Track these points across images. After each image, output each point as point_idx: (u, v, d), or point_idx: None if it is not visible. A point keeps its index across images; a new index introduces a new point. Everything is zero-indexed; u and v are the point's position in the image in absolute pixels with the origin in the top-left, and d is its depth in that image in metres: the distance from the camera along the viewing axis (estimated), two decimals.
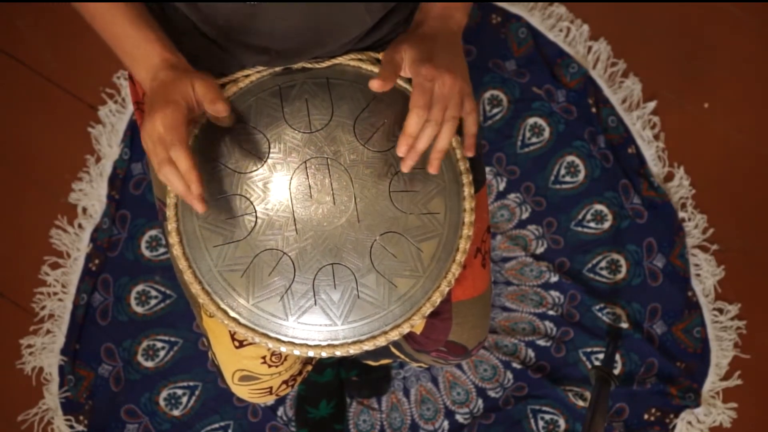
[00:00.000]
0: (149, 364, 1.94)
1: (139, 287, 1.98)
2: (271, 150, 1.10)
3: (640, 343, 1.95)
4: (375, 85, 1.04)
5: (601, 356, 1.95)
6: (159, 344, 1.95)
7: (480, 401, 1.94)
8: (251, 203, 1.08)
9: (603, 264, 2.01)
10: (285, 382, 1.32)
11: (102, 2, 1.06)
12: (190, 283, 1.08)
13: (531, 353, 1.96)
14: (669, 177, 2.06)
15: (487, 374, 1.95)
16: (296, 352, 1.07)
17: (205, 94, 1.04)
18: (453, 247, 1.10)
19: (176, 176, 1.02)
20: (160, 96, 1.03)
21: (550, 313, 1.97)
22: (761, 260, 2.03)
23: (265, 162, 1.10)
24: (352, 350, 1.07)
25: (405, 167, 1.07)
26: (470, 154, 1.11)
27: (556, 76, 2.10)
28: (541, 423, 1.93)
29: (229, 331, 1.20)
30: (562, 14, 2.13)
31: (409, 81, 1.16)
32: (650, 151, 2.07)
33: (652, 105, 2.09)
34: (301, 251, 1.07)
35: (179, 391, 1.93)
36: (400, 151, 1.05)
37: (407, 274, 1.08)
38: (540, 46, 2.12)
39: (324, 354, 1.07)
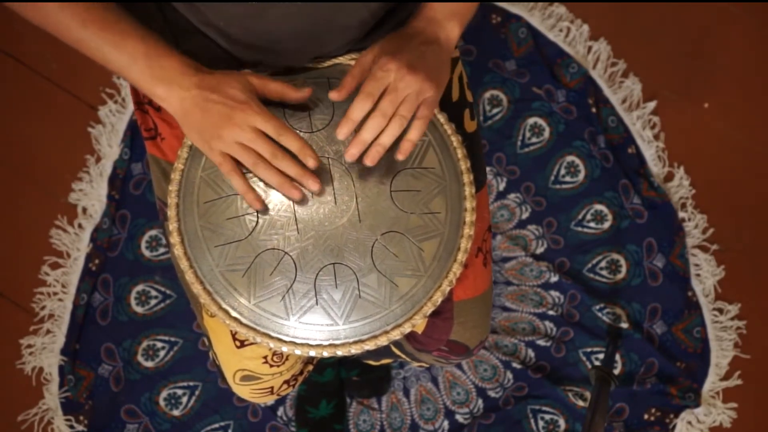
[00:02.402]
0: (149, 364, 1.94)
1: (139, 287, 1.98)
2: None
3: (640, 343, 1.95)
4: (332, 95, 1.04)
5: (601, 356, 1.95)
6: (159, 344, 1.95)
7: (480, 401, 1.94)
8: None
9: (603, 264, 2.01)
10: (286, 381, 1.32)
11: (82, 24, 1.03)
12: (192, 283, 1.08)
13: (531, 353, 1.96)
14: (669, 177, 2.07)
15: (487, 374, 1.95)
16: (297, 351, 1.07)
17: (275, 89, 1.05)
18: (454, 246, 1.10)
19: (291, 162, 1.02)
20: (222, 102, 1.02)
21: (550, 313, 1.97)
22: (761, 260, 2.03)
23: None
24: (354, 350, 1.07)
25: (348, 155, 1.03)
26: (400, 158, 1.06)
27: (556, 76, 2.10)
28: (541, 423, 1.93)
29: (231, 331, 1.20)
30: (562, 14, 2.13)
31: None
32: (650, 151, 2.07)
33: (652, 105, 2.09)
34: (302, 251, 1.07)
35: (179, 391, 1.93)
36: (339, 133, 1.02)
37: (409, 273, 1.08)
38: (540, 46, 2.12)
39: (325, 354, 1.07)
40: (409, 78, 1.01)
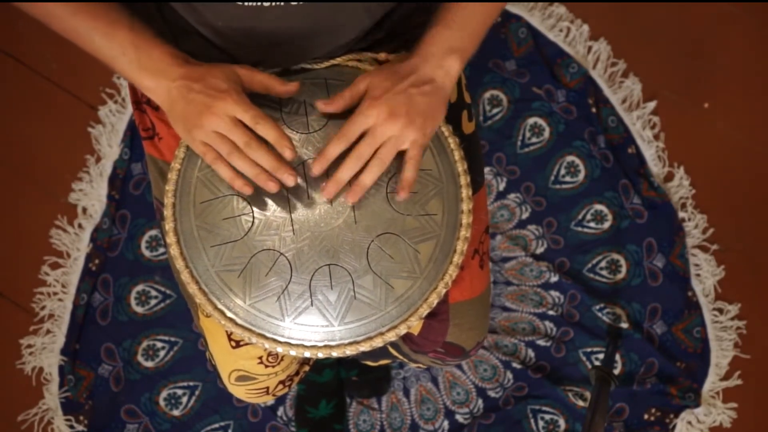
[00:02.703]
0: (149, 364, 1.95)
1: (139, 287, 1.99)
2: None
3: (640, 343, 1.95)
4: (319, 105, 1.05)
5: (601, 356, 1.95)
6: (159, 344, 1.96)
7: (480, 401, 1.94)
8: (249, 204, 1.08)
9: (603, 264, 2.01)
10: (282, 382, 1.32)
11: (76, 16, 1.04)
12: (187, 283, 1.08)
13: (531, 353, 1.96)
14: (669, 177, 2.06)
15: (487, 374, 1.95)
16: (292, 352, 1.07)
17: (262, 81, 1.05)
18: (450, 248, 1.10)
19: (265, 153, 1.02)
20: (204, 91, 1.02)
21: (550, 313, 1.97)
22: (761, 260, 2.03)
23: None
24: (349, 351, 1.07)
25: (325, 193, 1.05)
26: (399, 199, 1.06)
27: (556, 76, 2.10)
28: (541, 423, 1.93)
29: (226, 332, 1.20)
30: (562, 14, 2.13)
31: None
32: (650, 151, 2.07)
33: (652, 105, 2.08)
34: (298, 252, 1.07)
35: (179, 391, 1.93)
36: (314, 169, 1.04)
37: (404, 275, 1.07)
38: (540, 46, 2.12)
39: (320, 355, 1.07)
40: (388, 125, 1.02)
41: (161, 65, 1.03)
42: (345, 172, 1.03)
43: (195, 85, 1.02)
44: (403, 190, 1.05)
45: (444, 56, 1.08)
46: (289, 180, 1.03)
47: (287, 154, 1.02)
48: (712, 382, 1.96)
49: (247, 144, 1.01)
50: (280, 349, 1.07)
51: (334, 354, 1.07)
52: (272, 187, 1.03)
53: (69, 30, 1.05)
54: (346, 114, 1.09)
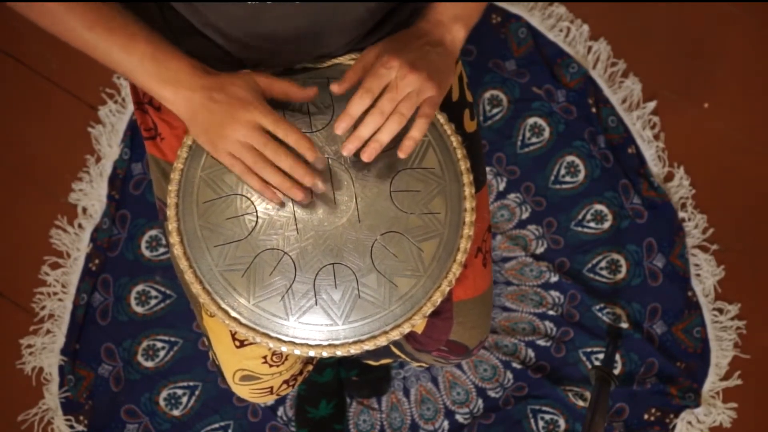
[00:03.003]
0: (149, 364, 1.94)
1: (139, 287, 1.98)
2: None
3: (640, 343, 1.95)
4: (333, 87, 1.04)
5: (601, 356, 1.95)
6: (159, 344, 1.95)
7: (480, 401, 1.94)
8: (252, 203, 1.08)
9: (603, 264, 2.01)
10: (286, 381, 1.32)
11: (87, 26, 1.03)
12: (191, 282, 1.08)
13: (531, 353, 1.96)
14: (669, 177, 2.07)
15: (487, 374, 1.95)
16: (297, 351, 1.07)
17: (281, 88, 1.04)
18: (454, 246, 1.10)
19: (286, 156, 1.02)
20: (227, 101, 1.01)
21: (550, 313, 1.97)
22: (761, 260, 2.03)
23: None
24: (353, 350, 1.07)
25: (345, 150, 1.02)
26: (401, 155, 1.04)
27: (556, 76, 2.10)
28: (541, 423, 1.93)
29: (230, 331, 1.20)
30: (562, 14, 2.13)
31: None
32: (650, 151, 2.07)
33: (652, 105, 2.09)
34: (301, 251, 1.07)
35: (179, 391, 1.93)
36: (338, 128, 1.01)
37: (408, 273, 1.08)
38: (540, 46, 2.12)
39: (325, 354, 1.07)
40: (411, 76, 1.01)
41: (181, 76, 1.03)
42: (366, 128, 1.01)
43: (217, 95, 1.02)
44: (407, 148, 1.03)
45: (451, 23, 1.09)
46: (314, 183, 1.03)
47: (309, 156, 1.02)
48: (712, 382, 1.96)
49: (264, 145, 1.01)
50: (284, 349, 1.07)
51: (339, 353, 1.07)
52: (298, 195, 1.04)
53: (86, 43, 1.04)
54: None
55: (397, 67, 1.01)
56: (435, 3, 1.10)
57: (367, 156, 1.02)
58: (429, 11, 1.10)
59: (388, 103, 1.01)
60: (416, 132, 1.03)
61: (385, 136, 1.02)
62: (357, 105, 1.01)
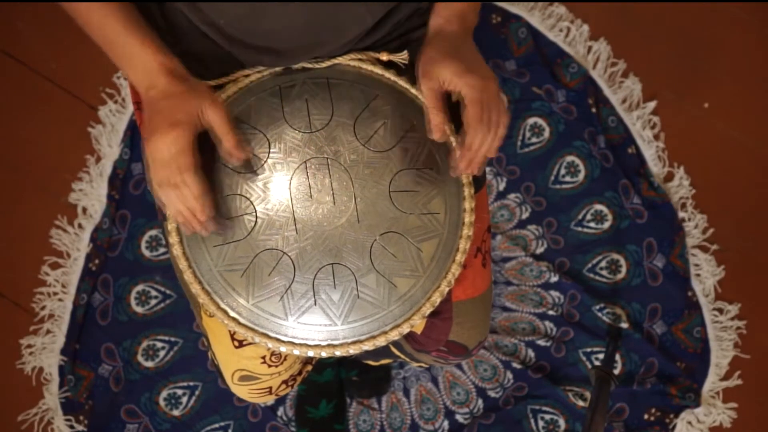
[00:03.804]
0: (149, 364, 1.94)
1: (139, 287, 1.98)
2: (272, 150, 1.10)
3: (640, 343, 1.95)
4: (436, 136, 1.07)
5: (601, 356, 1.95)
6: (159, 344, 1.95)
7: (480, 401, 1.94)
8: (251, 203, 1.08)
9: (603, 264, 2.01)
10: (285, 382, 1.32)
11: (93, 2, 1.04)
12: (190, 282, 1.08)
13: (531, 353, 1.96)
14: (669, 177, 2.07)
15: (487, 374, 1.95)
16: (296, 351, 1.07)
17: (219, 128, 1.05)
18: (453, 247, 1.10)
19: (181, 201, 1.03)
20: (165, 113, 1.03)
21: (550, 313, 1.97)
22: (761, 260, 2.03)
23: (265, 162, 1.10)
24: (352, 350, 1.07)
25: (456, 173, 1.10)
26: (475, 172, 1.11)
27: (556, 76, 2.10)
28: (541, 423, 1.93)
29: (229, 331, 1.20)
30: (562, 14, 2.13)
31: (408, 81, 1.16)
32: (650, 151, 2.07)
33: (652, 105, 2.09)
34: (301, 251, 1.07)
35: (179, 391, 1.93)
36: (461, 167, 1.08)
37: (407, 274, 1.08)
38: (540, 46, 2.12)
39: (324, 354, 1.07)
40: (494, 87, 1.07)
41: (150, 65, 1.05)
42: (482, 151, 1.08)
43: (163, 102, 1.04)
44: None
45: (468, 12, 1.17)
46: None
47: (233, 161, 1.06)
48: (712, 382, 1.96)
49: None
50: (283, 349, 1.07)
51: (338, 353, 1.07)
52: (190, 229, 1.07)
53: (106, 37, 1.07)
54: (348, 113, 1.10)
55: (484, 84, 1.06)
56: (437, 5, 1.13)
57: (477, 171, 1.09)
58: (448, 7, 1.14)
59: (493, 121, 1.07)
60: (494, 148, 1.09)
61: (495, 150, 1.09)
62: (479, 140, 1.07)
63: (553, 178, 2.05)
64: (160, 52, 1.05)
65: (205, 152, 1.10)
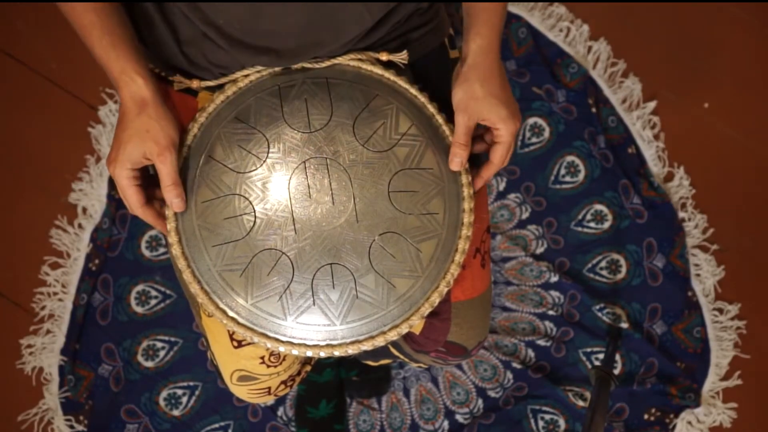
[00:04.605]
0: (149, 364, 1.94)
1: (139, 287, 1.98)
2: (271, 150, 1.10)
3: (640, 343, 1.95)
4: (455, 165, 1.11)
5: (601, 356, 1.95)
6: (159, 344, 1.95)
7: (480, 401, 1.94)
8: (250, 203, 1.08)
9: (603, 264, 2.01)
10: (284, 382, 1.32)
11: (84, 2, 1.07)
12: (189, 282, 1.08)
13: (531, 353, 1.96)
14: (669, 177, 2.07)
15: (487, 374, 1.95)
16: (294, 352, 1.07)
17: (162, 180, 1.07)
18: (452, 247, 1.10)
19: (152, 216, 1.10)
20: (123, 144, 1.06)
21: (550, 313, 1.97)
22: (761, 260, 2.03)
23: (264, 162, 1.10)
24: (351, 350, 1.07)
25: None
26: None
27: (556, 76, 2.10)
28: (541, 423, 1.93)
29: (228, 331, 1.20)
30: (562, 14, 2.13)
31: (408, 81, 1.16)
32: (650, 151, 2.07)
33: (652, 105, 2.09)
34: (299, 251, 1.07)
35: (179, 391, 1.93)
36: (476, 186, 1.15)
37: (406, 274, 1.08)
38: (540, 46, 2.12)
39: (322, 354, 1.07)
40: (515, 128, 1.12)
41: (131, 79, 1.07)
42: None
43: (129, 124, 1.06)
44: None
45: (495, 43, 1.15)
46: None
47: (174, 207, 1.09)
48: (712, 382, 1.96)
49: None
50: (282, 349, 1.07)
51: (336, 353, 1.07)
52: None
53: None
54: (348, 113, 1.10)
55: (514, 129, 1.11)
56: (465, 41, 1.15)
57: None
58: (475, 38, 1.14)
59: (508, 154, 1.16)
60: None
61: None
62: (494, 173, 1.17)
63: (553, 178, 2.05)
64: (128, 72, 1.07)
65: (205, 152, 1.10)
